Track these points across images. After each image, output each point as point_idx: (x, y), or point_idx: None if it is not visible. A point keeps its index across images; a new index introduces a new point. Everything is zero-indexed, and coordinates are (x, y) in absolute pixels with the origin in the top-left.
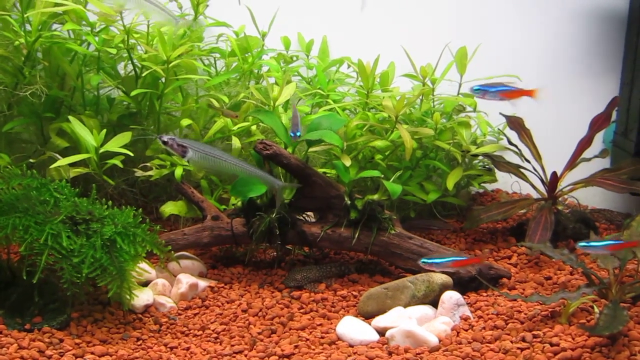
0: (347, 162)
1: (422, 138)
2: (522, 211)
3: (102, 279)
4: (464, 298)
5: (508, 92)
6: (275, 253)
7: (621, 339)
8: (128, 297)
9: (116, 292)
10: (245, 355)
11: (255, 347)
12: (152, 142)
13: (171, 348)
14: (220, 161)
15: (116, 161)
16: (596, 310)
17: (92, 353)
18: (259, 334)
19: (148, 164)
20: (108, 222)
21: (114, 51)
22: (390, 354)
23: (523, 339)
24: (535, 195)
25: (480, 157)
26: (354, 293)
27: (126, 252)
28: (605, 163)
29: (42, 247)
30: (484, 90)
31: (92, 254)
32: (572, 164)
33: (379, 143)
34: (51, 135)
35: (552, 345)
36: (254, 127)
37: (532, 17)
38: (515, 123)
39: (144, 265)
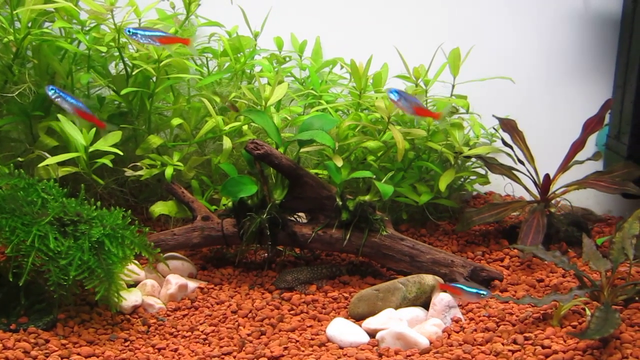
0: (339, 163)
1: (414, 139)
2: (514, 213)
3: (90, 282)
4: (456, 300)
5: (163, 38)
6: (265, 254)
7: (613, 341)
8: (116, 299)
9: (104, 294)
10: (234, 357)
11: (244, 348)
12: (142, 142)
13: (159, 349)
14: None
15: (106, 160)
16: (588, 312)
17: (79, 354)
18: (249, 335)
19: (138, 164)
20: (96, 223)
21: (104, 49)
22: (380, 355)
23: (514, 341)
24: (528, 197)
25: (473, 159)
26: (345, 295)
27: (114, 255)
28: (598, 166)
29: (29, 249)
30: (135, 33)
31: (80, 256)
32: (565, 166)
33: (371, 144)
34: (40, 134)
35: (543, 347)
36: (245, 127)
37: (525, 19)
38: (508, 125)
39: (132, 266)
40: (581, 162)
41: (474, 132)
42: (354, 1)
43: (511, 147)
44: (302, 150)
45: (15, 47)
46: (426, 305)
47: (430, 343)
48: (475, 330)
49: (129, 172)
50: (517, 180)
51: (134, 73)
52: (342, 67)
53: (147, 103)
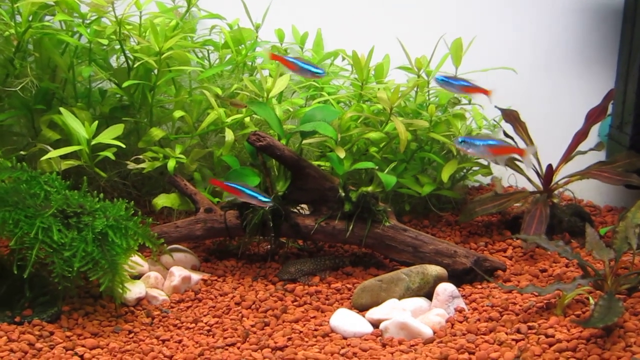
0: (341, 154)
1: (417, 130)
2: (517, 204)
3: (94, 273)
4: (459, 290)
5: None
6: (269, 246)
7: (616, 330)
8: (120, 290)
9: (108, 286)
10: (238, 348)
11: (248, 339)
12: (144, 135)
13: (163, 341)
14: None
15: (108, 153)
16: (591, 301)
17: (83, 346)
18: (252, 326)
19: (141, 157)
20: (99, 215)
21: (105, 42)
22: (384, 345)
23: (518, 331)
24: (530, 188)
25: None
26: (348, 286)
27: (118, 246)
28: (600, 156)
29: (33, 241)
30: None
31: (84, 247)
32: (567, 156)
33: (373, 135)
34: (42, 128)
35: (547, 336)
36: (247, 119)
37: (527, 8)
38: (510, 116)
39: (136, 258)
40: (584, 153)
41: (476, 123)
42: None
43: (512, 138)
44: (304, 142)
45: (17, 40)
46: (429, 296)
47: (434, 333)
48: (479, 319)
49: (131, 165)
50: (519, 170)
51: (135, 66)
52: (343, 59)
53: (149, 96)
